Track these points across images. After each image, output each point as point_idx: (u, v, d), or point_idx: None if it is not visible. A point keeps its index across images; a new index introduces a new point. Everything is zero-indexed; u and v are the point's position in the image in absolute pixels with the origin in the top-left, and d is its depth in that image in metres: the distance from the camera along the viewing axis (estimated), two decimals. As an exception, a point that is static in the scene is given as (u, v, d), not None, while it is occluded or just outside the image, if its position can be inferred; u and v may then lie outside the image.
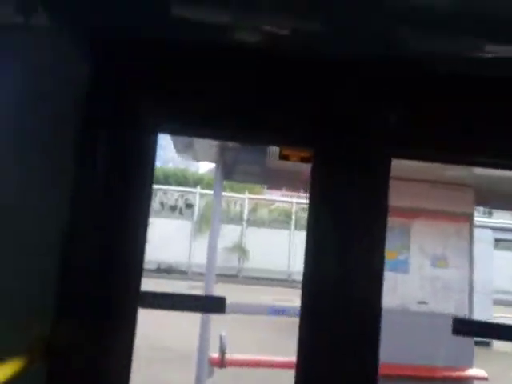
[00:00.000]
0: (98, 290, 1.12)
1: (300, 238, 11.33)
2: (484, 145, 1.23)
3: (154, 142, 1.23)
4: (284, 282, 10.41)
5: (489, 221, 8.69)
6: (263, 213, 11.72)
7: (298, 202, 11.51)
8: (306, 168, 3.22)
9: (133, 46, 1.14)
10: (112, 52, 1.15)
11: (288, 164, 3.14)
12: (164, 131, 1.36)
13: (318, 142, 1.26)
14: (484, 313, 5.56)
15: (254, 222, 11.47)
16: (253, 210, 11.67)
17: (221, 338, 3.15)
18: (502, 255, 9.19)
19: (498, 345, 5.84)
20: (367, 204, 1.20)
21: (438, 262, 3.75)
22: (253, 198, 11.67)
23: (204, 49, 1.14)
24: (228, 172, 3.27)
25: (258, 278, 10.64)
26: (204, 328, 3.05)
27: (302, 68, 1.18)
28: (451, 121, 1.20)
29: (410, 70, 1.09)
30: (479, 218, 8.75)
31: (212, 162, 3.48)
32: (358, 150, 1.20)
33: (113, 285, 1.15)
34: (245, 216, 11.20)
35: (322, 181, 1.23)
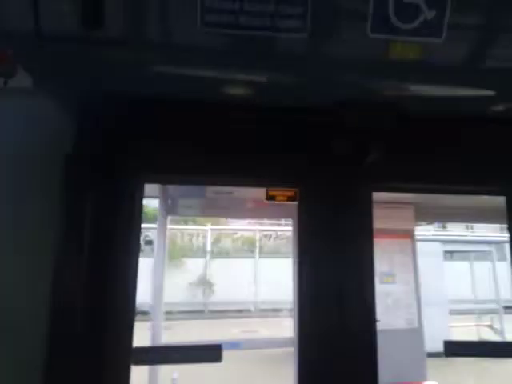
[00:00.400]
0: (88, 349, 1.09)
1: (264, 265, 11.26)
2: (450, 175, 1.38)
3: (141, 192, 1.26)
4: (251, 312, 10.21)
5: (439, 234, 9.12)
6: (227, 243, 11.60)
7: (261, 229, 11.53)
8: (245, 196, 3.30)
9: (117, 102, 1.17)
10: (97, 107, 1.19)
11: (227, 195, 3.22)
12: (150, 181, 1.37)
13: (302, 181, 1.34)
14: (440, 324, 5.73)
15: (219, 254, 11.30)
16: (216, 241, 11.52)
17: (172, 381, 3.03)
18: (458, 266, 9.57)
19: (457, 354, 6.00)
20: (353, 234, 1.29)
21: (386, 278, 3.88)
22: (215, 229, 11.55)
23: (188, 101, 1.19)
24: (171, 207, 3.27)
25: (225, 311, 10.35)
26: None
27: (284, 115, 1.26)
28: (421, 155, 1.34)
29: (384, 113, 1.19)
30: (433, 231, 9.19)
31: (154, 197, 3.48)
32: (341, 186, 1.30)
33: (103, 343, 1.12)
34: (208, 248, 11.02)
35: (308, 217, 1.31)
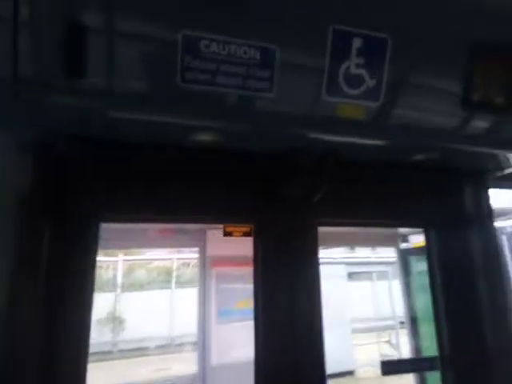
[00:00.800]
0: None
1: (182, 295, 10.84)
2: (381, 211, 1.61)
3: (97, 232, 1.29)
4: (167, 347, 9.66)
5: (347, 256, 9.83)
6: (141, 274, 10.96)
7: (178, 257, 11.17)
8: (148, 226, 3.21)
9: (74, 143, 1.18)
10: (54, 148, 1.18)
11: (126, 226, 3.12)
12: (106, 220, 1.39)
13: (257, 218, 1.47)
14: (343, 343, 6.07)
15: (131, 286, 10.59)
16: (129, 273, 10.81)
17: None
18: (362, 286, 10.34)
19: (360, 371, 6.41)
20: (302, 264, 1.43)
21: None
22: (128, 260, 10.86)
23: (147, 143, 1.23)
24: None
25: (137, 349, 9.62)
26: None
27: (241, 160, 1.37)
28: (358, 195, 1.56)
29: (328, 160, 1.36)
30: (343, 254, 9.85)
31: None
32: (291, 222, 1.45)
33: None
34: (119, 281, 10.27)
35: (262, 250, 1.43)
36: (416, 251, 3.95)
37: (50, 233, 1.18)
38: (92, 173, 1.27)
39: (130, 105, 1.03)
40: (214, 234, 3.46)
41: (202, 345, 3.32)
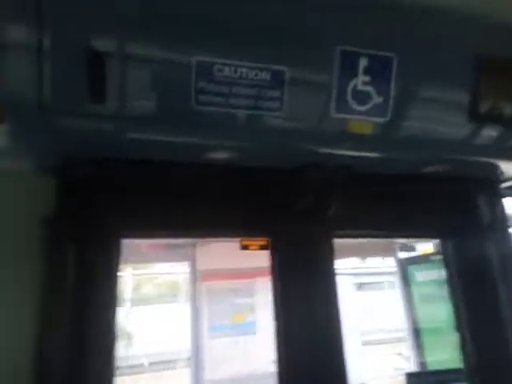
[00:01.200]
0: None
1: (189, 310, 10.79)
2: (395, 222, 1.64)
3: (119, 248, 1.34)
4: (174, 362, 9.58)
5: (359, 267, 9.62)
6: (149, 288, 10.98)
7: (185, 271, 11.16)
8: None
9: (97, 162, 1.20)
10: (76, 169, 1.20)
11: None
12: (128, 237, 1.42)
13: (273, 232, 1.51)
14: (354, 357, 5.89)
15: (140, 301, 10.62)
16: (137, 287, 10.86)
17: None
18: (374, 296, 10.08)
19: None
20: (319, 276, 1.44)
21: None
22: (137, 274, 10.91)
23: (167, 161, 1.26)
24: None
25: (146, 365, 9.58)
26: None
27: (258, 175, 1.40)
28: (372, 207, 1.58)
29: (341, 173, 1.40)
30: (354, 264, 9.65)
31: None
32: (307, 235, 1.47)
33: None
34: (128, 295, 10.31)
35: (279, 263, 1.46)
36: (417, 260, 3.82)
37: (75, 252, 1.21)
38: (112, 192, 1.31)
39: (148, 127, 1.08)
40: (204, 248, 3.43)
41: (195, 361, 3.26)
